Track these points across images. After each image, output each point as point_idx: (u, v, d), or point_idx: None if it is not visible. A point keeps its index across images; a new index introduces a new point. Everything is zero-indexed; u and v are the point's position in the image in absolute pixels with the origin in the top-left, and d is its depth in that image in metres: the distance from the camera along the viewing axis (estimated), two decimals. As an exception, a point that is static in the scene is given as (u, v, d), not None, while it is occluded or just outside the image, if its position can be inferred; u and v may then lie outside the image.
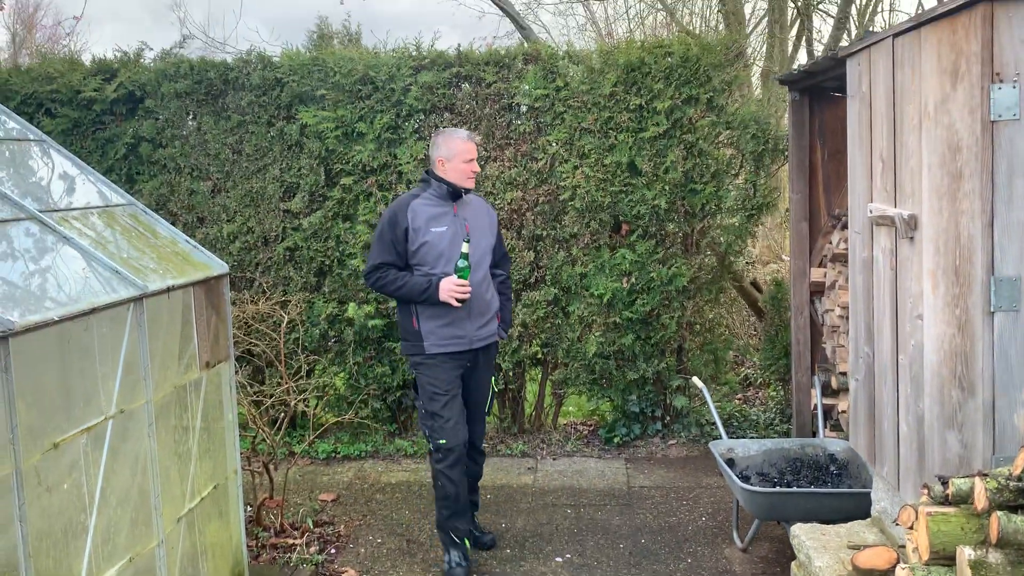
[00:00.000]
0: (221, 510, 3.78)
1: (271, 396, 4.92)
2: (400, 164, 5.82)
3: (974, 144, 2.67)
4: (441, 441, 4.10)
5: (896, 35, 3.20)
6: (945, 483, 2.50)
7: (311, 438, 5.25)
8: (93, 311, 2.76)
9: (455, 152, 4.07)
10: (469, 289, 3.99)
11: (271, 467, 4.69)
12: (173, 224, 5.34)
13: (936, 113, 2.90)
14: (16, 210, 3.01)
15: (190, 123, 6.09)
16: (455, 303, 3.97)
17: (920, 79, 3.01)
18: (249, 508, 4.61)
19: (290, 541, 4.51)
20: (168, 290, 3.25)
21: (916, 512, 2.50)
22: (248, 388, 4.92)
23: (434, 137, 4.20)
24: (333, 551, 4.50)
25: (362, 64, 5.78)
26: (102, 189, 3.72)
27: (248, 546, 4.21)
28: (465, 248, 3.97)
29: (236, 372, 4.07)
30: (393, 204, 4.17)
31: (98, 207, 3.54)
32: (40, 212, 3.08)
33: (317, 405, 6.06)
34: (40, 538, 2.53)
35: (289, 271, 6.00)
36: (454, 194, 4.10)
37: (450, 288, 3.96)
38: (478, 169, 4.18)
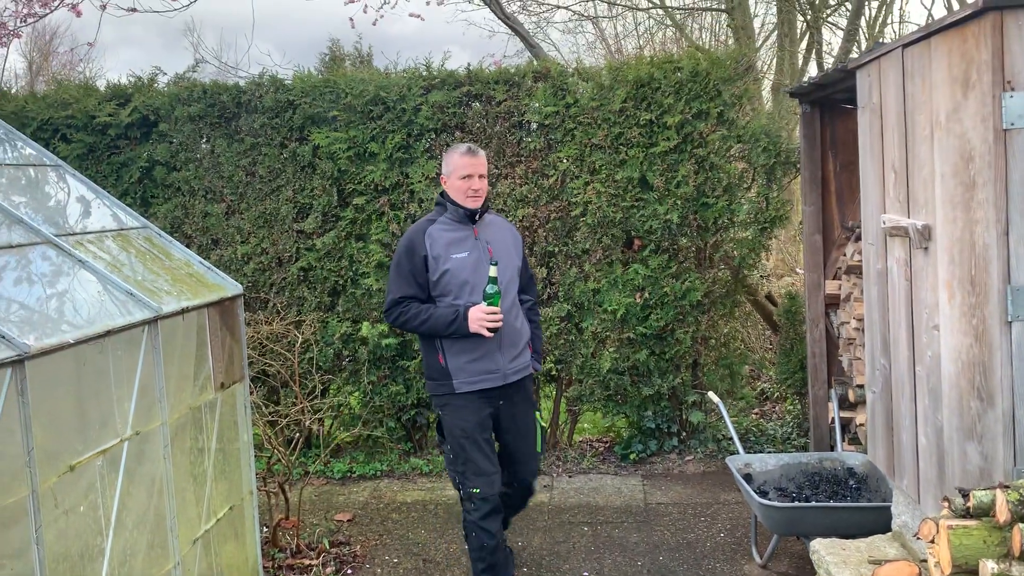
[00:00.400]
0: (237, 531, 3.78)
1: (286, 416, 4.92)
2: (412, 183, 5.84)
3: (987, 153, 2.65)
4: (474, 489, 3.75)
5: (906, 45, 3.19)
6: (966, 495, 2.47)
7: (324, 456, 5.25)
8: (108, 333, 2.78)
9: (452, 168, 3.81)
10: (501, 316, 3.67)
11: (287, 487, 4.69)
12: (188, 246, 5.36)
13: (948, 122, 2.89)
14: (32, 234, 3.04)
15: (203, 146, 6.14)
16: (487, 333, 3.65)
17: (931, 89, 3.00)
18: (265, 529, 4.61)
19: (306, 562, 4.50)
20: (183, 312, 3.27)
21: (937, 525, 2.47)
22: (263, 408, 4.93)
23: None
24: (350, 571, 4.49)
25: (373, 85, 5.82)
26: (117, 212, 3.75)
27: (264, 567, 4.20)
28: (493, 272, 3.66)
29: (251, 392, 4.08)
30: (408, 232, 3.85)
31: (113, 230, 3.57)
32: (56, 236, 3.11)
33: (332, 424, 6.06)
34: (57, 561, 2.53)
35: (303, 291, 6.02)
36: (471, 215, 3.81)
37: (480, 317, 3.64)
38: (480, 186, 3.78)
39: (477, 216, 3.83)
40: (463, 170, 3.78)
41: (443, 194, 3.85)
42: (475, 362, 3.76)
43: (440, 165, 4.27)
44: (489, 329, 3.65)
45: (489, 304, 3.65)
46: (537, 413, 4.10)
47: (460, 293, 3.74)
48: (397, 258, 3.82)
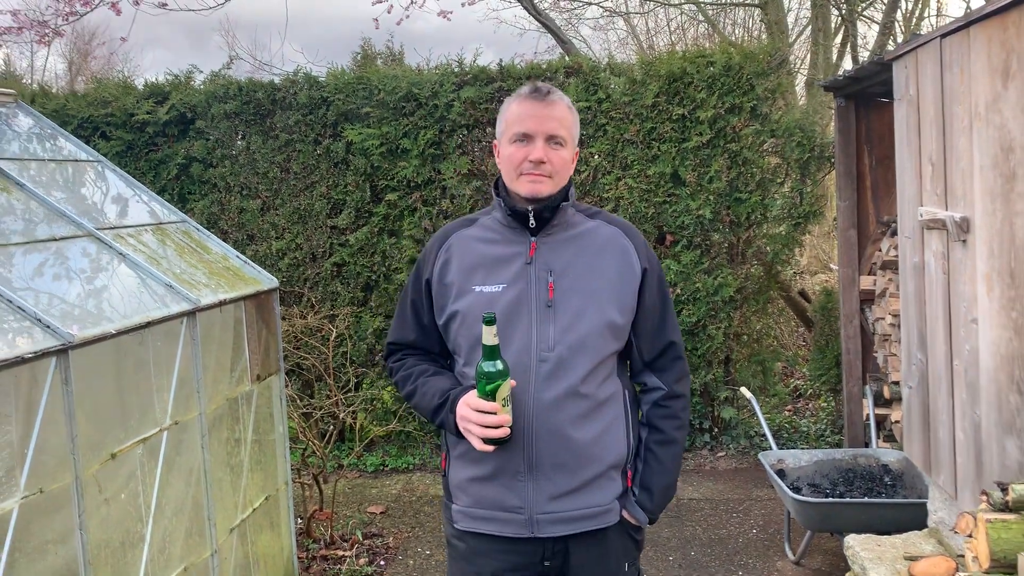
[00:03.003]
0: (272, 521, 3.83)
1: (320, 409, 4.98)
2: (444, 179, 5.87)
3: (1027, 143, 2.62)
4: None
5: (944, 36, 3.16)
6: (1004, 489, 2.44)
7: (358, 449, 5.30)
8: (148, 325, 2.83)
9: (504, 126, 2.16)
10: (501, 421, 1.99)
11: (321, 479, 4.74)
12: (224, 242, 5.44)
13: (987, 113, 2.85)
14: (74, 228, 3.10)
15: (239, 143, 6.22)
16: (480, 445, 2.03)
17: (969, 79, 2.96)
18: (299, 520, 4.67)
19: (340, 553, 4.55)
20: (220, 304, 3.32)
21: (975, 519, 2.44)
22: (298, 401, 4.99)
23: None
24: (382, 563, 4.53)
25: (406, 81, 5.85)
26: (155, 207, 3.82)
27: (299, 557, 4.25)
28: (488, 337, 1.96)
29: (286, 385, 4.13)
30: (432, 237, 2.34)
31: (152, 224, 3.63)
32: (97, 230, 3.17)
33: (365, 418, 6.11)
34: (99, 547, 2.59)
35: (336, 286, 6.08)
36: (524, 217, 2.13)
37: (464, 414, 2.04)
38: (546, 156, 2.07)
39: (533, 218, 2.12)
40: (517, 125, 2.10)
41: (497, 179, 2.22)
42: (484, 483, 2.13)
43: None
44: (487, 440, 2.01)
45: (484, 396, 1.98)
46: None
47: (473, 356, 2.10)
48: (407, 281, 2.35)
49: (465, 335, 2.12)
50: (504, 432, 2.00)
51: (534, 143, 2.08)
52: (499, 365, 1.97)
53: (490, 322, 1.95)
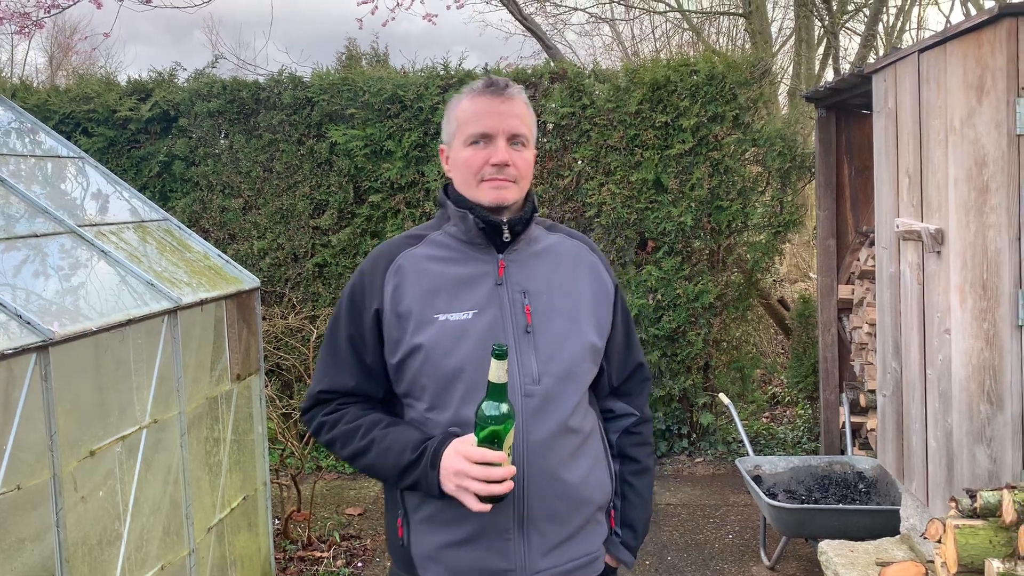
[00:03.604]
0: (250, 521, 3.82)
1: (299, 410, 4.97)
2: (428, 182, 5.89)
3: (1000, 158, 2.67)
4: None
5: (922, 51, 3.21)
6: (973, 496, 2.49)
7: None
8: (129, 322, 2.83)
9: (454, 126, 1.87)
10: (507, 473, 1.67)
11: (299, 480, 4.73)
12: (205, 240, 5.43)
13: (962, 128, 2.90)
14: (56, 224, 3.09)
15: (222, 141, 6.21)
16: (476, 505, 1.68)
17: (946, 94, 3.02)
18: (277, 521, 4.66)
19: (317, 554, 4.55)
20: (201, 303, 3.32)
21: (944, 525, 2.49)
22: (277, 402, 4.98)
23: None
24: (360, 564, 4.53)
25: (391, 84, 5.86)
26: (137, 205, 3.81)
27: (276, 558, 4.25)
28: (497, 374, 1.66)
29: (266, 385, 4.13)
30: (368, 257, 1.93)
31: (133, 222, 3.63)
32: (78, 227, 3.16)
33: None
34: (76, 544, 2.58)
35: (318, 287, 6.07)
36: (492, 229, 1.83)
37: (463, 469, 1.67)
38: (506, 158, 1.79)
39: (507, 231, 1.84)
40: (474, 124, 1.82)
41: (447, 187, 1.94)
42: (463, 548, 1.80)
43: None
44: (484, 498, 1.67)
45: (484, 443, 1.66)
46: None
47: (445, 398, 1.79)
48: (335, 312, 1.93)
49: (431, 373, 1.77)
50: (509, 486, 1.67)
51: (494, 144, 1.80)
52: (506, 407, 1.66)
53: (501, 355, 1.64)
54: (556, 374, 1.81)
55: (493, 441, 1.64)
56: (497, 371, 1.64)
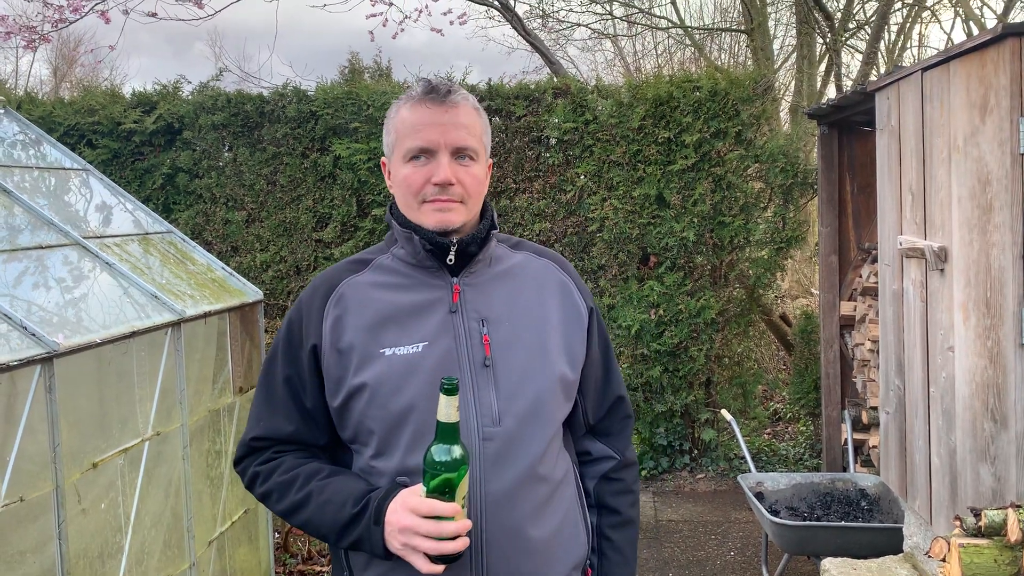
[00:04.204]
0: (251, 535, 3.81)
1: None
2: (431, 195, 5.90)
3: (1004, 177, 2.68)
4: None
5: (925, 69, 3.23)
6: (978, 515, 2.48)
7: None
8: (133, 335, 2.83)
9: (392, 139, 1.67)
10: (463, 528, 1.46)
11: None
12: (208, 253, 5.45)
13: (965, 146, 2.91)
14: (60, 236, 3.10)
15: (226, 154, 6.23)
16: (427, 567, 1.46)
17: (949, 113, 3.03)
18: (277, 534, 4.65)
19: (317, 568, 4.53)
20: (205, 316, 3.32)
21: (948, 544, 2.48)
22: (278, 415, 4.97)
23: None
24: (360, 579, 4.51)
25: (394, 97, 5.87)
26: (141, 217, 3.82)
27: (276, 572, 4.23)
28: (446, 412, 1.45)
29: (268, 398, 4.12)
30: (307, 287, 1.73)
31: (138, 234, 3.63)
32: (82, 238, 3.17)
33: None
34: (77, 557, 2.58)
35: (320, 300, 6.07)
36: (441, 251, 1.63)
37: (411, 524, 1.45)
38: (449, 176, 1.59)
39: (456, 252, 1.64)
40: (412, 138, 1.62)
41: (392, 205, 1.73)
42: None
43: None
44: (435, 558, 1.46)
45: (435, 493, 1.44)
46: None
47: (391, 443, 1.58)
48: (271, 349, 1.72)
49: (377, 416, 1.55)
50: (464, 543, 1.45)
51: (436, 160, 1.59)
52: (458, 451, 1.43)
53: (451, 391, 1.42)
54: (519, 413, 1.58)
55: (444, 491, 1.42)
56: (446, 409, 1.43)
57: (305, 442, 1.66)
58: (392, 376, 1.55)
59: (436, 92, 1.61)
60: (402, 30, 7.92)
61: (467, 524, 1.45)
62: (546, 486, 1.60)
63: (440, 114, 1.59)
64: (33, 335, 2.41)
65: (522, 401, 1.58)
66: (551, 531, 1.60)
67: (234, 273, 3.88)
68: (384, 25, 7.30)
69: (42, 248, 2.98)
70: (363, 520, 1.51)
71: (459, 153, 1.61)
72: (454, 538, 1.44)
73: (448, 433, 1.43)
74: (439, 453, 1.42)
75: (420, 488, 1.45)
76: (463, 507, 1.45)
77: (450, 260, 1.62)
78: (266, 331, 5.34)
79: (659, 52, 13.61)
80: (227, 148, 6.23)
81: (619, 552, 1.75)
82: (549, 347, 1.64)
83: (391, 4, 7.19)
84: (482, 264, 1.67)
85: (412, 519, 1.44)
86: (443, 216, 1.60)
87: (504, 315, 1.63)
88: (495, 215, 1.70)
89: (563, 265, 1.77)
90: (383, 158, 1.72)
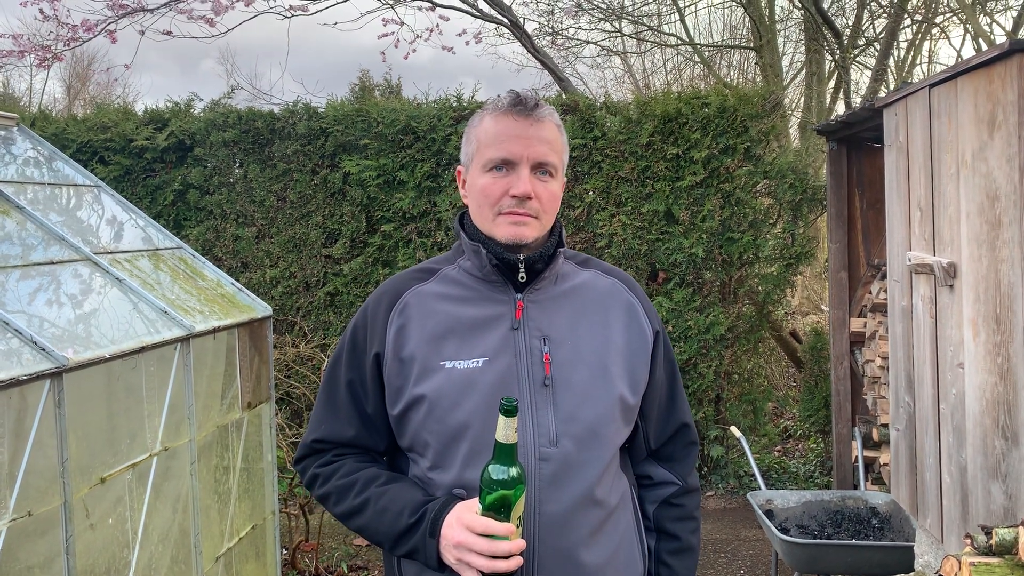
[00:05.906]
0: (258, 551, 3.81)
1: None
2: (440, 212, 5.92)
3: (1012, 192, 2.67)
4: None
5: (932, 85, 3.23)
6: (988, 533, 2.46)
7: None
8: (142, 350, 2.84)
9: (473, 147, 1.66)
10: (517, 547, 1.47)
11: (307, 510, 4.71)
12: (218, 268, 5.48)
13: (973, 162, 2.91)
14: (71, 251, 3.12)
15: (237, 171, 6.27)
16: None
17: (957, 128, 3.03)
18: (285, 551, 4.64)
19: (325, 585, 4.52)
20: (214, 331, 3.33)
21: (959, 563, 2.45)
22: (287, 430, 4.98)
23: None
24: (367, 596, 4.49)
25: (404, 115, 5.92)
26: (151, 233, 3.84)
27: (284, 588, 4.22)
28: (503, 430, 1.45)
29: (276, 414, 4.13)
30: (373, 293, 1.75)
31: (148, 250, 3.65)
32: (93, 254, 3.19)
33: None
34: (84, 572, 2.58)
35: (329, 316, 6.09)
36: (509, 266, 1.63)
37: (465, 540, 1.46)
38: (528, 190, 1.58)
39: (524, 268, 1.63)
40: (495, 148, 1.61)
41: (463, 215, 1.74)
42: None
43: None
44: (487, 575, 1.47)
45: (491, 511, 1.45)
46: None
47: (448, 457, 1.59)
48: (335, 352, 1.76)
49: (434, 429, 1.56)
50: (517, 563, 1.45)
51: (517, 173, 1.58)
52: (515, 471, 1.43)
53: (511, 412, 1.42)
54: (577, 435, 1.56)
55: (500, 509, 1.43)
56: (505, 430, 1.43)
57: (365, 447, 1.68)
58: (451, 390, 1.56)
59: (523, 104, 1.60)
60: (414, 51, 7.97)
61: (521, 544, 1.46)
62: (602, 511, 1.59)
63: (525, 127, 1.59)
64: (43, 350, 2.42)
65: (580, 423, 1.57)
66: (605, 557, 1.59)
67: (243, 289, 3.89)
68: (396, 46, 7.34)
69: (54, 263, 3.00)
70: (419, 531, 1.53)
71: (540, 168, 1.60)
72: (508, 557, 1.44)
73: (506, 453, 1.44)
74: (496, 472, 1.44)
75: (476, 504, 1.46)
76: (518, 527, 1.45)
77: (522, 278, 1.62)
78: (275, 347, 5.36)
79: (668, 69, 13.66)
80: (238, 165, 6.28)
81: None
82: (611, 369, 1.62)
83: (402, 24, 7.24)
84: (547, 281, 1.66)
85: (466, 535, 1.45)
86: (517, 230, 1.59)
87: (566, 334, 1.62)
88: (563, 232, 1.70)
89: (631, 285, 1.75)
90: (459, 167, 1.71)
